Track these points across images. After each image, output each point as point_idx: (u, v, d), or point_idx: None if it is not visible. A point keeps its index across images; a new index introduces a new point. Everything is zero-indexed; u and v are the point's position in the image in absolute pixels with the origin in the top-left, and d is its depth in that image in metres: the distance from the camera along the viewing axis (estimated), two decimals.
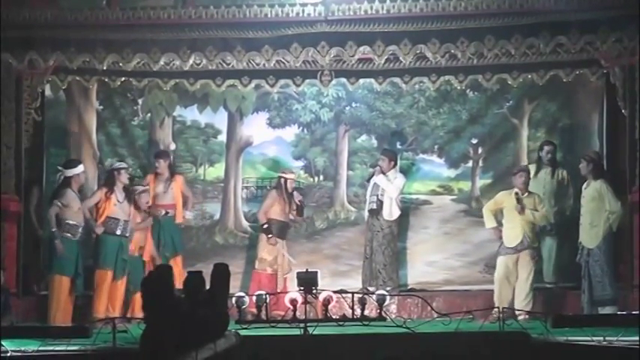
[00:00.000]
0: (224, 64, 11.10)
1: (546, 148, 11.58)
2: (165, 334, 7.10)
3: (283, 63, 11.01)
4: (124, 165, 11.15)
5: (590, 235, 10.59)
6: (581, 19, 10.25)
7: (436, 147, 12.33)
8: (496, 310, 9.61)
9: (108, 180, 11.04)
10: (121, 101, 12.32)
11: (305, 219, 12.19)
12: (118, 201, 10.94)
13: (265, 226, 11.44)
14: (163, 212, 11.51)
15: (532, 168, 11.53)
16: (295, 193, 11.61)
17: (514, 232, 10.79)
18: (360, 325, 9.38)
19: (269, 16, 10.43)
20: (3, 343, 8.25)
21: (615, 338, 8.28)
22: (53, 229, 10.56)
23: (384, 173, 11.53)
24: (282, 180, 11.54)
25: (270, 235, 11.39)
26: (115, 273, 10.79)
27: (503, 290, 10.67)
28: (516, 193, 10.80)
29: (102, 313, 10.50)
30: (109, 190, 10.89)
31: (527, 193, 10.86)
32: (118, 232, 10.87)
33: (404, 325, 9.06)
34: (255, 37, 10.59)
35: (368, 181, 11.69)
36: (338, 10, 10.40)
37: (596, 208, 10.53)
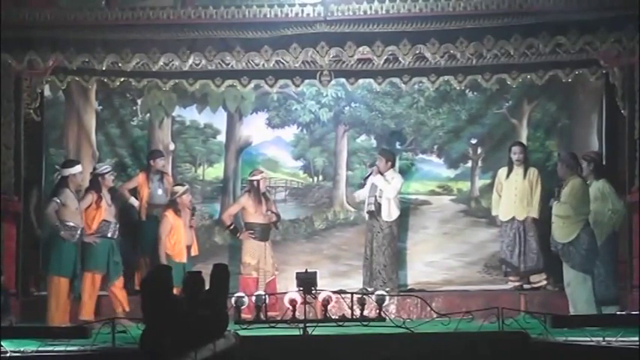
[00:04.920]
0: (223, 65, 11.08)
1: (514, 149, 11.51)
2: (164, 334, 7.08)
3: (282, 63, 10.98)
4: (107, 168, 11.12)
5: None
6: (580, 19, 10.21)
7: (435, 147, 12.33)
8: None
9: (94, 185, 10.97)
10: (120, 101, 12.32)
11: (304, 220, 12.35)
12: (108, 204, 10.95)
13: (232, 227, 11.48)
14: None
15: (504, 171, 11.55)
16: (273, 207, 11.58)
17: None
18: (360, 326, 9.36)
19: (268, 16, 10.39)
20: (2, 343, 8.25)
21: (615, 339, 8.26)
22: (56, 224, 10.52)
23: (381, 173, 11.53)
24: (255, 182, 11.45)
25: (237, 235, 11.44)
26: (108, 275, 10.80)
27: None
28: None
29: (88, 316, 10.55)
30: (97, 195, 10.86)
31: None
32: (109, 235, 10.89)
33: (403, 326, 9.05)
34: (254, 38, 10.55)
35: (365, 180, 11.68)
36: (337, 11, 10.35)
37: (600, 208, 10.46)
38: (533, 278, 11.43)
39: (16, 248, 10.95)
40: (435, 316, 9.89)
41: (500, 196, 11.60)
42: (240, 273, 11.28)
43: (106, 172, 11.02)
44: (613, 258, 10.56)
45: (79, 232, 10.69)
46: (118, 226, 11.00)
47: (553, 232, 10.25)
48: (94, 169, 11.16)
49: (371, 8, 10.33)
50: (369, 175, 11.63)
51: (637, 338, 8.08)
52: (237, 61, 10.83)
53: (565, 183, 10.22)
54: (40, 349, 8.33)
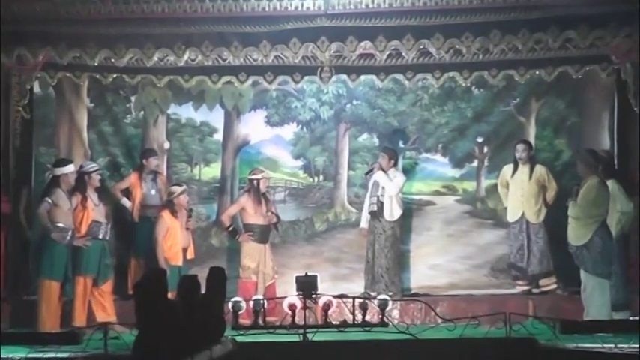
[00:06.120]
0: (220, 60, 11.06)
1: (518, 147, 11.41)
2: (159, 339, 7.07)
3: (282, 59, 10.97)
4: (93, 167, 10.90)
5: None
6: (590, 13, 10.28)
7: (440, 146, 12.21)
8: None
9: (79, 185, 10.71)
10: (113, 98, 12.15)
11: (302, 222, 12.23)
12: (95, 204, 10.73)
13: (231, 228, 11.31)
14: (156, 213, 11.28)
15: (509, 169, 11.47)
16: (273, 208, 11.42)
17: None
18: (362, 331, 9.34)
19: (267, 10, 10.46)
20: None
21: (627, 345, 8.22)
22: (48, 225, 10.30)
23: (383, 171, 11.41)
24: (255, 182, 11.27)
25: (236, 237, 11.28)
26: (97, 278, 10.61)
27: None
28: None
29: (81, 321, 10.38)
30: (82, 196, 10.63)
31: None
32: (100, 236, 10.69)
33: (407, 331, 9.07)
34: (252, 32, 10.60)
35: (366, 175, 11.62)
36: (338, 4, 10.43)
37: (609, 209, 10.24)
38: (542, 282, 11.32)
39: (5, 251, 10.84)
40: (439, 321, 9.83)
41: (506, 190, 11.49)
42: (239, 277, 11.15)
43: (92, 171, 10.79)
44: (623, 261, 10.40)
45: (70, 233, 10.48)
46: (109, 226, 10.83)
47: (568, 233, 10.14)
48: (81, 167, 10.96)
49: (373, 2, 10.42)
50: (370, 171, 11.53)
51: None
52: (235, 56, 10.85)
53: (583, 182, 10.10)
54: (29, 355, 8.33)
